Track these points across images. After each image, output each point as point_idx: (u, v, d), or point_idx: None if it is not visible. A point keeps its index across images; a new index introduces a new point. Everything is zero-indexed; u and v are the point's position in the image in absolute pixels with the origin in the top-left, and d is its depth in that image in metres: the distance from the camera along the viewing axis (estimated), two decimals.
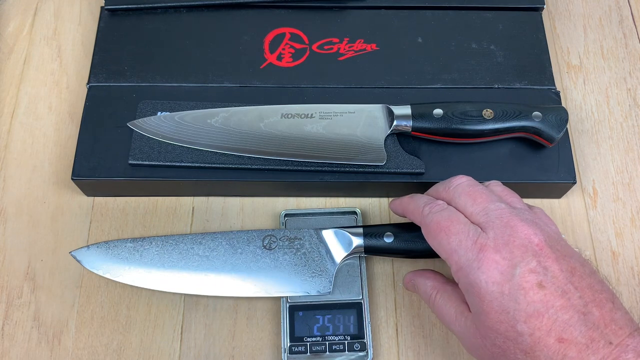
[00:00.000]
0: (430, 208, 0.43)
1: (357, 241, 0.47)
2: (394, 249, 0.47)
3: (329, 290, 0.47)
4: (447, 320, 0.42)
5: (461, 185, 0.43)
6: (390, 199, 0.54)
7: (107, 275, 0.47)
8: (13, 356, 0.48)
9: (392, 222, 0.53)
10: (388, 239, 0.47)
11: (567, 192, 0.53)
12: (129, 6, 0.57)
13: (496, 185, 0.44)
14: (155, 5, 0.57)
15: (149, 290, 0.49)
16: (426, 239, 0.43)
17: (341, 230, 0.48)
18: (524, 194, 0.53)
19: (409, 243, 0.47)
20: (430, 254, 0.47)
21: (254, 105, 0.52)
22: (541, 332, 0.35)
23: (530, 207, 0.43)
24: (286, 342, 0.47)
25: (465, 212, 0.41)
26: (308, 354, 0.46)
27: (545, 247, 0.38)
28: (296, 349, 0.47)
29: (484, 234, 0.39)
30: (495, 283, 0.37)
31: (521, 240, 0.38)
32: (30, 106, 0.57)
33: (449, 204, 0.43)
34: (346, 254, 0.47)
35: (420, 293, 0.45)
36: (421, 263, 0.51)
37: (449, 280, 0.45)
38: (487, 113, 0.49)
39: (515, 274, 0.37)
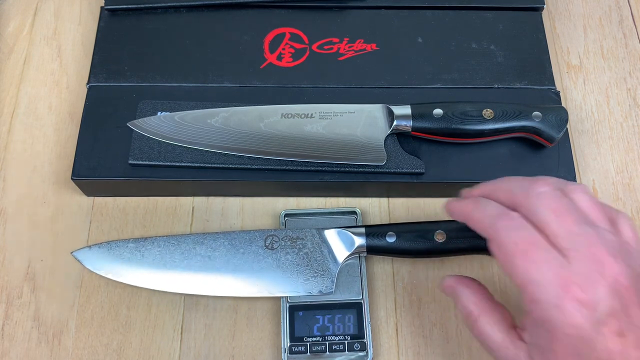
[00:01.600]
0: (505, 223, 0.37)
1: (360, 241, 0.47)
2: (397, 249, 0.47)
3: (331, 290, 0.47)
4: (491, 344, 0.38)
5: (545, 194, 0.37)
6: (391, 198, 0.54)
7: (109, 276, 0.47)
8: (13, 356, 0.47)
9: (393, 221, 0.53)
10: (390, 239, 0.47)
11: None
12: (129, 6, 0.57)
13: (582, 195, 0.38)
14: (155, 5, 0.57)
15: (149, 290, 0.49)
16: (495, 255, 0.37)
17: (343, 230, 0.48)
18: None
19: (411, 243, 0.47)
20: (432, 254, 0.47)
21: (254, 105, 0.52)
22: None
23: (615, 216, 0.38)
24: (286, 342, 0.47)
25: (546, 229, 0.36)
26: (308, 354, 0.46)
27: (630, 290, 0.34)
28: (296, 349, 0.47)
29: (567, 266, 0.35)
30: (574, 325, 0.34)
31: (607, 279, 0.34)
32: (30, 106, 0.57)
33: (525, 213, 0.37)
34: (348, 253, 0.47)
35: (460, 305, 0.41)
36: (422, 263, 0.51)
37: (493, 299, 0.41)
38: (487, 113, 0.49)
39: (597, 318, 0.33)
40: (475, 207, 0.40)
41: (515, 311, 0.40)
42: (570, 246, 0.35)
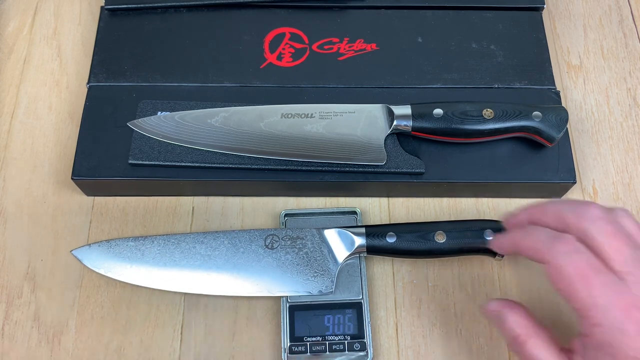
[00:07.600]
0: (562, 247, 0.37)
1: (360, 241, 0.47)
2: (397, 249, 0.47)
3: (331, 290, 0.47)
4: None
5: (599, 218, 0.37)
6: (391, 198, 0.54)
7: (109, 274, 0.47)
8: (13, 356, 0.47)
9: (393, 221, 0.53)
10: (390, 239, 0.47)
11: (567, 192, 0.53)
12: (129, 6, 0.57)
13: (628, 219, 0.39)
14: (155, 5, 0.57)
15: (149, 290, 0.49)
16: (552, 280, 0.37)
17: (343, 230, 0.48)
18: (524, 194, 0.53)
19: (411, 243, 0.47)
20: (432, 254, 0.47)
21: (254, 105, 0.52)
22: None
23: None
24: (286, 342, 0.47)
25: (602, 254, 0.36)
26: (308, 353, 0.46)
27: None
28: (296, 349, 0.47)
29: (626, 289, 0.35)
30: (637, 349, 0.34)
31: None
32: (30, 106, 0.57)
33: (579, 237, 0.37)
34: (348, 253, 0.47)
35: (506, 329, 0.40)
36: (422, 263, 0.51)
37: (539, 322, 0.41)
38: (487, 113, 0.49)
39: None
40: (526, 235, 0.40)
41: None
42: (626, 269, 0.36)
